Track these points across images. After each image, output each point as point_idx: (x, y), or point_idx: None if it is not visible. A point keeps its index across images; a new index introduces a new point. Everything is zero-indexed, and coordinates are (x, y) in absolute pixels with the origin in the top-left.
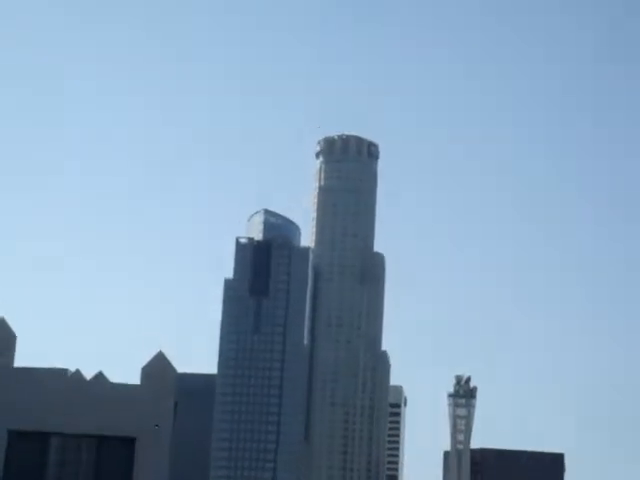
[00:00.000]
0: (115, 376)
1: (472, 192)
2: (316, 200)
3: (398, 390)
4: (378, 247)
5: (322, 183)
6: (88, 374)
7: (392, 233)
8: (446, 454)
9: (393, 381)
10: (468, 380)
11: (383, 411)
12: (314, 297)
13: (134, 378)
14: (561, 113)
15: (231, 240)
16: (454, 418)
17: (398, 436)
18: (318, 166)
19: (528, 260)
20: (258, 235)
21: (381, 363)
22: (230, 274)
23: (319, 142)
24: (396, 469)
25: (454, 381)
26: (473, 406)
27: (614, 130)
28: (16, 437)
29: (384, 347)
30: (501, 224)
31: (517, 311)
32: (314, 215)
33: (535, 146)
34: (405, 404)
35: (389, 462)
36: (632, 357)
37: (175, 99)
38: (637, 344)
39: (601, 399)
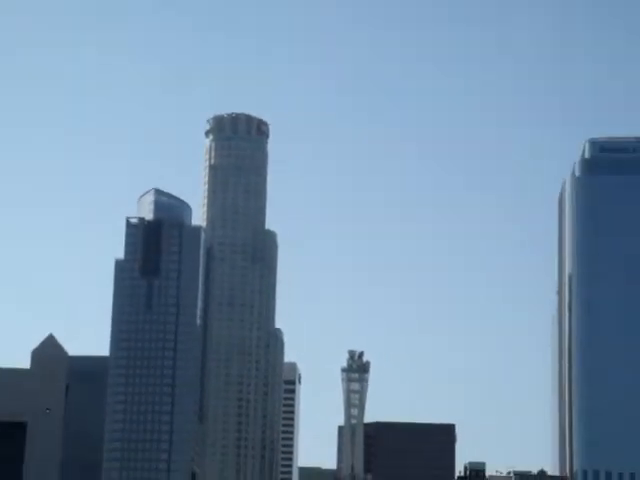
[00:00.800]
0: (4, 361)
1: (361, 170)
2: (207, 179)
3: (292, 367)
4: (270, 225)
5: (212, 162)
6: None
7: (284, 211)
8: (340, 429)
9: (287, 358)
10: (361, 355)
11: (277, 388)
12: (206, 276)
13: (24, 362)
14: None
15: (121, 220)
16: (348, 393)
17: (293, 412)
18: (208, 144)
19: (420, 237)
20: (149, 215)
21: (274, 341)
22: (121, 255)
23: (208, 120)
24: (291, 445)
25: (347, 356)
26: (366, 380)
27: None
28: None
29: (277, 325)
30: (392, 204)
31: (409, 286)
32: (205, 194)
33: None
34: (299, 381)
35: (284, 439)
36: (519, 328)
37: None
38: (522, 316)
39: (489, 371)
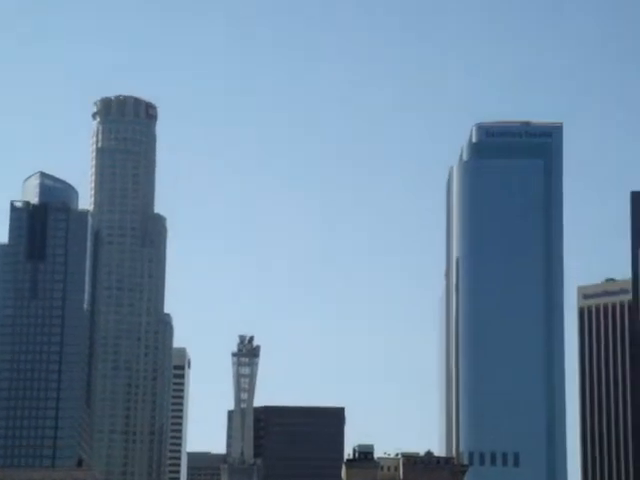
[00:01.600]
0: None
1: (250, 154)
2: (94, 162)
3: (181, 352)
4: (159, 209)
5: (99, 145)
6: None
7: (173, 195)
8: (230, 413)
9: (176, 343)
10: (251, 339)
11: (166, 373)
12: (94, 261)
13: None
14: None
15: (5, 204)
16: (237, 377)
17: (182, 398)
18: (95, 127)
19: (308, 223)
20: (34, 199)
21: (164, 326)
22: (5, 239)
23: (95, 103)
24: (180, 430)
25: (237, 341)
26: (256, 365)
27: None
28: None
29: (167, 310)
30: (281, 187)
31: (298, 271)
32: (92, 177)
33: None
34: (189, 366)
35: (173, 424)
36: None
37: None
38: (410, 299)
39: (377, 354)
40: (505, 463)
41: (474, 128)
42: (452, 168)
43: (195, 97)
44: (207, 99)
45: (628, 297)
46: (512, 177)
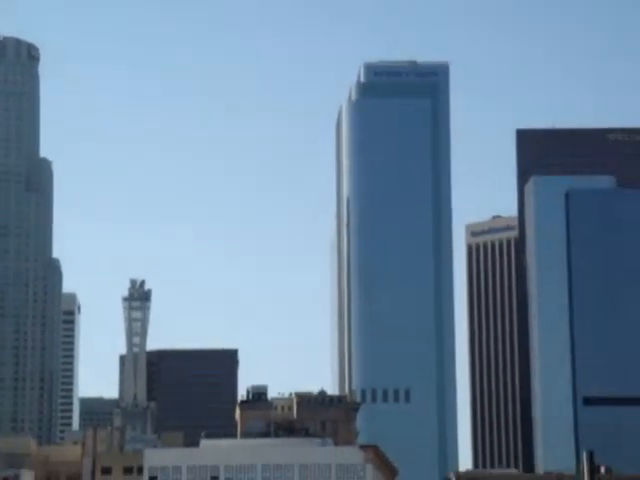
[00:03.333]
0: None
1: (136, 94)
2: None
3: (71, 297)
4: (45, 153)
5: None
6: None
7: (59, 138)
8: (122, 358)
9: (66, 289)
10: (142, 283)
11: (56, 319)
12: None
13: None
14: None
15: None
16: (129, 321)
17: (73, 344)
18: None
19: (199, 165)
20: None
21: (52, 271)
22: None
23: None
24: (71, 376)
25: (129, 285)
26: (148, 309)
27: None
28: None
29: (55, 255)
30: (169, 129)
31: (187, 214)
32: None
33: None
34: (79, 311)
35: (64, 370)
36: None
37: None
38: (301, 240)
39: (269, 295)
40: (397, 399)
41: (362, 68)
42: (341, 108)
43: (78, 38)
44: (90, 39)
45: (514, 233)
46: (400, 116)
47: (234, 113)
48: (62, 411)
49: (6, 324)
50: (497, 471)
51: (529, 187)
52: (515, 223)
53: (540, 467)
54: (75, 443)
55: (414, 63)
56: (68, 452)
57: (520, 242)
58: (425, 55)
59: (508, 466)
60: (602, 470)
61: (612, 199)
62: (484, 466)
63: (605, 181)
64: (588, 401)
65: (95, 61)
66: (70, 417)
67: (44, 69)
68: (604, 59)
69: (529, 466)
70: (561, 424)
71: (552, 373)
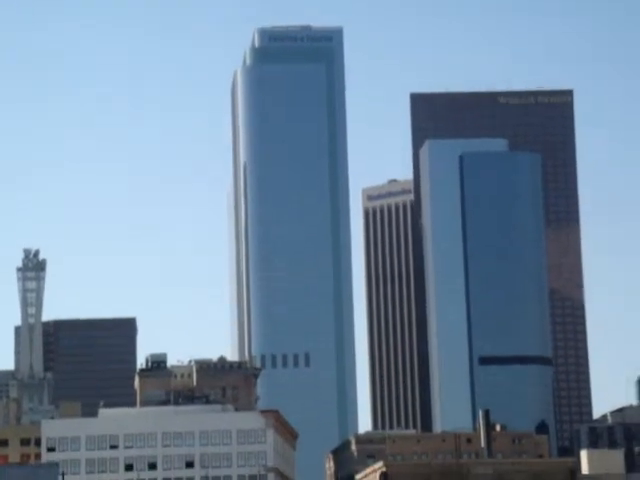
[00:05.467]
0: None
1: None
2: None
3: None
4: None
5: None
6: None
7: None
8: (17, 329)
9: None
10: (37, 253)
11: None
12: None
13: None
14: None
15: None
16: (24, 292)
17: None
18: None
19: (87, 134)
20: None
21: None
22: None
23: None
24: None
25: (22, 255)
26: (43, 279)
27: None
28: None
29: None
30: (60, 70)
31: (79, 177)
32: None
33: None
34: None
35: None
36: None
37: None
38: (198, 205)
39: (166, 261)
40: (296, 364)
41: (256, 33)
42: (236, 73)
43: None
44: None
45: (410, 197)
46: (295, 81)
47: (129, 79)
48: None
49: None
50: (396, 432)
51: (424, 151)
52: (411, 187)
53: (438, 426)
54: None
55: (308, 28)
56: None
57: (416, 205)
58: (319, 20)
59: (407, 427)
60: (498, 428)
61: (505, 161)
62: (383, 427)
63: (498, 144)
64: (483, 360)
65: None
66: None
67: None
68: (497, 22)
69: (427, 426)
70: (458, 384)
71: (448, 333)
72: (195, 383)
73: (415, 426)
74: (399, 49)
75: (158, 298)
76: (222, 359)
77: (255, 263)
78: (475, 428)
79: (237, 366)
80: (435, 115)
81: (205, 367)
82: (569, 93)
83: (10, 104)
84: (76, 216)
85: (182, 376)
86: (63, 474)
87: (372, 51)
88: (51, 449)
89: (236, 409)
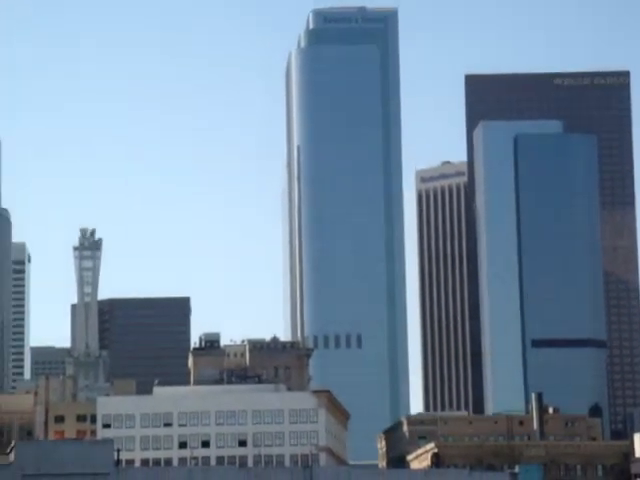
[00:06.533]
0: None
1: (78, 44)
2: None
3: (21, 247)
4: None
5: None
6: None
7: (3, 86)
8: (73, 307)
9: (15, 238)
10: (93, 232)
11: (6, 269)
12: None
13: None
14: None
15: None
16: (80, 271)
17: (23, 293)
18: None
19: (151, 116)
20: None
21: (1, 221)
22: None
23: None
24: (22, 326)
25: (79, 234)
26: (99, 258)
27: None
28: None
29: (4, 205)
30: (110, 70)
31: (138, 160)
32: None
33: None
34: (29, 260)
35: (15, 319)
36: None
37: None
38: (253, 187)
39: (221, 242)
40: (349, 345)
41: (311, 14)
42: (290, 55)
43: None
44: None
45: (464, 179)
46: (350, 63)
47: (183, 62)
48: (14, 360)
49: None
50: (447, 414)
51: (478, 132)
52: (464, 169)
53: (490, 409)
54: (27, 392)
55: (363, 9)
56: (20, 401)
57: (470, 187)
58: (374, 1)
59: (459, 409)
60: (550, 410)
61: (559, 143)
62: (435, 409)
63: (552, 125)
64: (536, 343)
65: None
66: (22, 367)
67: None
68: (553, 2)
69: (479, 408)
70: (510, 366)
71: (501, 316)
72: (248, 362)
73: (467, 408)
74: (454, 30)
75: (212, 278)
76: (275, 339)
77: (308, 244)
78: (527, 411)
79: (290, 346)
80: (490, 96)
81: (258, 347)
82: (626, 74)
83: (75, 91)
84: (132, 197)
85: (235, 355)
86: (118, 450)
87: (427, 32)
88: (106, 426)
89: (288, 389)
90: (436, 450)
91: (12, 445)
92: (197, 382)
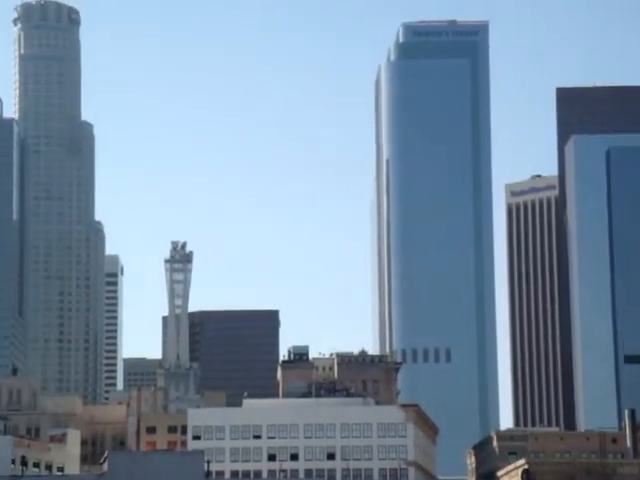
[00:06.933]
0: None
1: (177, 56)
2: (17, 69)
3: (114, 259)
4: (86, 116)
5: (22, 52)
6: None
7: (99, 101)
8: (165, 319)
9: (109, 251)
10: (184, 245)
11: (99, 281)
12: (21, 170)
13: None
14: None
15: None
16: (171, 283)
17: (116, 305)
18: (17, 34)
19: (239, 126)
20: None
21: (95, 234)
22: None
23: (16, 8)
24: (115, 337)
25: (170, 247)
26: (190, 270)
27: None
28: None
29: (97, 217)
30: (208, 90)
31: (229, 174)
32: (16, 85)
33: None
34: (122, 273)
35: (108, 331)
36: None
37: None
38: (341, 201)
39: (310, 256)
40: (437, 359)
41: (401, 28)
42: (380, 68)
43: (118, 1)
44: (130, 2)
45: (555, 193)
46: (439, 76)
47: (273, 73)
48: (107, 372)
49: (51, 286)
50: (538, 429)
51: (570, 146)
52: (555, 182)
53: (581, 425)
54: (120, 403)
55: (453, 23)
56: (113, 412)
57: (560, 201)
58: (464, 14)
59: (549, 424)
60: None
61: None
62: (525, 425)
63: None
64: (629, 359)
65: (135, 24)
66: (114, 377)
67: (85, 33)
68: None
69: (570, 424)
70: (602, 382)
71: (593, 332)
72: (336, 376)
73: (557, 424)
74: (545, 43)
75: (301, 291)
76: (363, 353)
77: (397, 257)
78: (621, 428)
79: (378, 360)
80: (581, 110)
81: (346, 360)
82: None
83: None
84: (222, 211)
85: (324, 369)
86: (208, 462)
87: (518, 45)
88: (196, 437)
89: (377, 402)
90: (527, 466)
91: (105, 455)
92: (286, 395)
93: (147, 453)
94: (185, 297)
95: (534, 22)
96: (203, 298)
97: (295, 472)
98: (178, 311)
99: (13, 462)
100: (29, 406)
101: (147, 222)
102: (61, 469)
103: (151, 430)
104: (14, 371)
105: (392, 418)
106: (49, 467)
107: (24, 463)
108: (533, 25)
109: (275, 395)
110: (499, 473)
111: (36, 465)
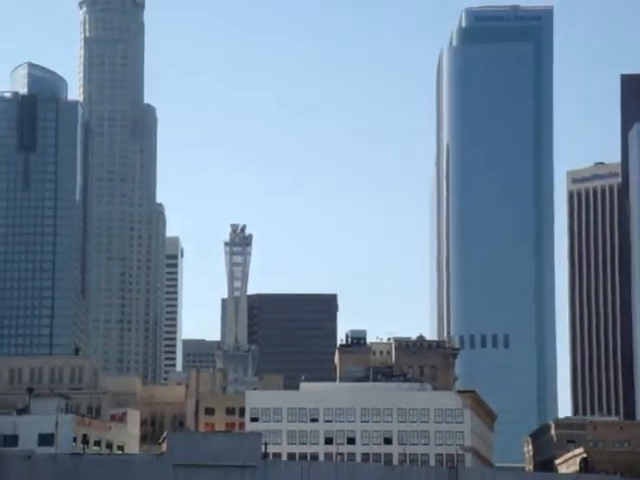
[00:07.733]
0: None
1: (239, 39)
2: (82, 52)
3: (175, 241)
4: (149, 99)
5: (87, 34)
6: None
7: (162, 84)
8: (224, 301)
9: (169, 233)
10: (244, 228)
11: (160, 263)
12: (85, 151)
13: None
14: None
15: None
16: (230, 266)
17: (176, 287)
18: (82, 17)
19: (297, 107)
20: (23, 89)
21: (156, 215)
22: None
23: None
24: (175, 319)
25: (230, 230)
26: (249, 253)
27: None
28: None
29: (159, 199)
30: (268, 75)
31: (288, 158)
32: (80, 68)
33: None
34: (182, 255)
35: (168, 312)
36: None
37: None
38: (401, 185)
39: (369, 240)
40: (495, 345)
41: (463, 13)
42: (442, 53)
43: None
44: None
45: (617, 180)
46: (502, 62)
47: (338, 58)
48: (166, 352)
49: (113, 266)
50: (597, 418)
51: (633, 133)
52: (618, 170)
53: None
54: (179, 384)
55: (516, 7)
56: (172, 392)
57: (623, 189)
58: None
59: (609, 413)
60: None
61: None
62: (584, 413)
63: None
64: None
65: (198, 7)
66: (174, 358)
67: (149, 16)
68: None
69: (630, 414)
70: None
71: None
72: (394, 360)
73: (617, 413)
74: (610, 29)
75: (359, 276)
76: (421, 338)
77: (456, 244)
78: None
79: (436, 345)
80: None
81: (404, 345)
82: None
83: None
84: (282, 195)
85: (381, 353)
86: (265, 444)
87: (582, 31)
88: (254, 419)
89: (434, 388)
90: (585, 455)
91: (164, 435)
92: (343, 379)
93: (205, 434)
94: (244, 280)
95: (599, 8)
96: (262, 281)
97: (352, 456)
98: (237, 294)
99: (75, 440)
100: (90, 385)
101: (207, 205)
102: (121, 448)
103: (209, 411)
104: (76, 351)
105: (449, 404)
106: (109, 446)
107: (85, 441)
108: (598, 11)
109: (332, 379)
110: (557, 461)
111: (97, 444)
